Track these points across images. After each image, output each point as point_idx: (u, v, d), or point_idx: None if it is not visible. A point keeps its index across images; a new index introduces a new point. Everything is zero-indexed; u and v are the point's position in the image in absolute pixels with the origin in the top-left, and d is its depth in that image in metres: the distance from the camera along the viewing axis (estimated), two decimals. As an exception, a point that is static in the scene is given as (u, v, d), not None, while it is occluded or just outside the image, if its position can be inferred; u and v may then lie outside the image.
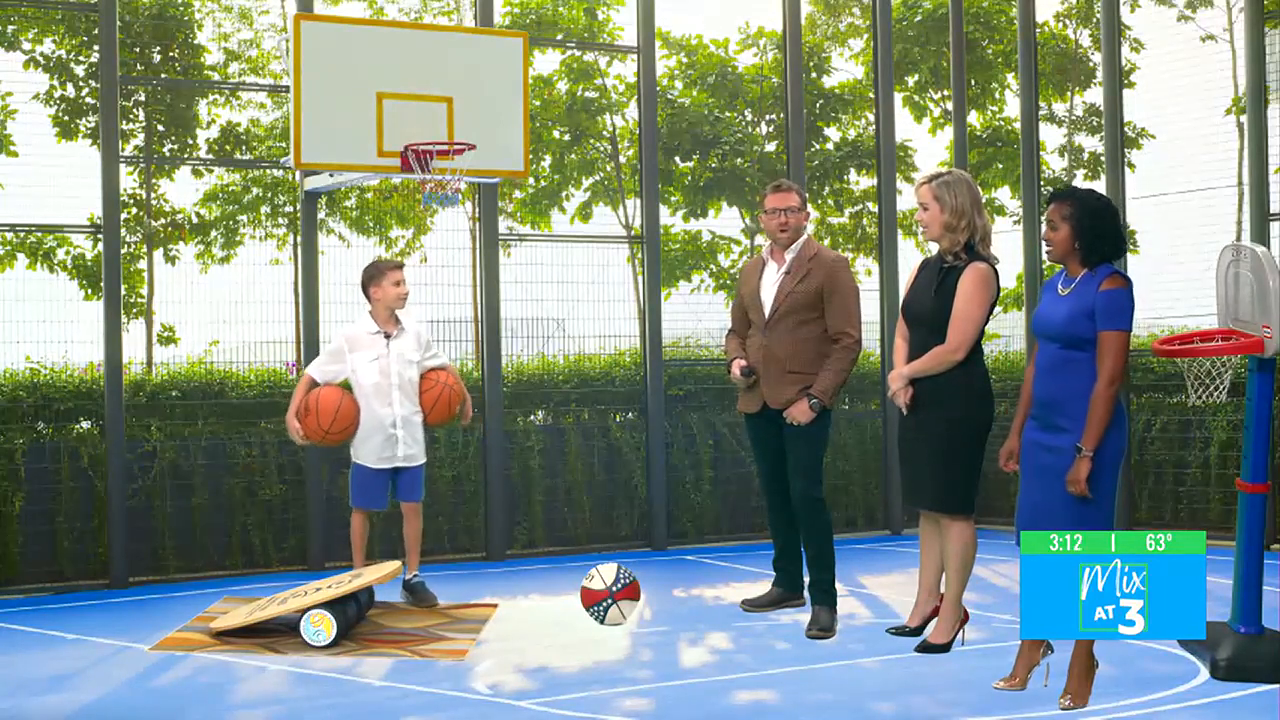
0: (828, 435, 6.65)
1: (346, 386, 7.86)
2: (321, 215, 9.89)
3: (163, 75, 9.97)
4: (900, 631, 6.28)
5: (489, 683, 6.23)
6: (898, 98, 11.78)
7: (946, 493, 5.95)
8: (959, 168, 11.17)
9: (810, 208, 11.05)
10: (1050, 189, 10.51)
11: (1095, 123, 11.84)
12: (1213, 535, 6.30)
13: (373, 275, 7.83)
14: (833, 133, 11.82)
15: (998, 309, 10.82)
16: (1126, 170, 10.73)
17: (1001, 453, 5.80)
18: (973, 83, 11.95)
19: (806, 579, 6.79)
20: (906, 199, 11.66)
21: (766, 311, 6.56)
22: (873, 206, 11.56)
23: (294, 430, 7.71)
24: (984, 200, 6.00)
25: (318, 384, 7.80)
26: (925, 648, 6.07)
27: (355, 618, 7.20)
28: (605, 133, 11.13)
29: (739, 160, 11.21)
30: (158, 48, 9.92)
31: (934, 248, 6.20)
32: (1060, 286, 5.49)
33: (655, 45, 10.50)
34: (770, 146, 11.48)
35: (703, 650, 6.90)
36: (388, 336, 7.78)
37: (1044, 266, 10.70)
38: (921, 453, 5.98)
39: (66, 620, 7.89)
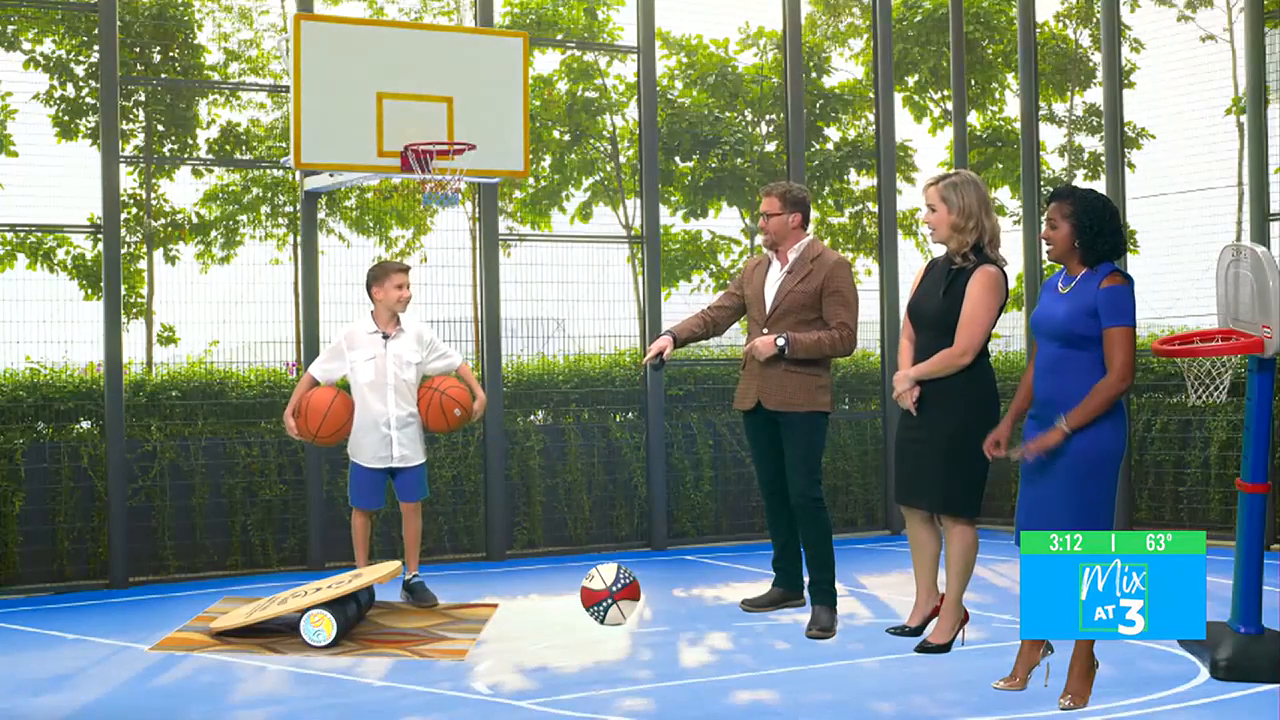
0: (825, 435, 6.66)
1: (345, 386, 7.88)
2: (321, 215, 9.89)
3: (163, 75, 9.98)
4: (900, 632, 6.29)
5: (489, 683, 6.23)
6: (898, 98, 11.79)
7: (951, 495, 5.95)
8: (959, 167, 11.17)
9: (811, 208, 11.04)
10: (1050, 189, 10.51)
11: (1095, 123, 11.84)
12: (1213, 535, 6.32)
13: (377, 276, 7.86)
14: (833, 133, 11.82)
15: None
16: (1126, 170, 10.73)
17: (989, 439, 5.74)
18: (973, 83, 11.95)
19: (806, 579, 6.80)
20: (906, 199, 11.67)
21: (767, 309, 6.58)
22: (873, 206, 11.56)
23: (290, 429, 7.78)
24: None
25: (318, 383, 7.83)
26: (925, 648, 6.07)
27: (355, 618, 7.20)
28: (605, 133, 11.14)
29: (739, 160, 11.21)
30: (158, 48, 9.92)
31: (939, 249, 6.21)
32: (1060, 285, 5.50)
33: (655, 45, 10.50)
34: (770, 146, 11.48)
35: (703, 650, 6.90)
36: (386, 337, 7.79)
37: (1044, 266, 10.70)
38: (926, 454, 5.98)
39: (66, 620, 7.89)
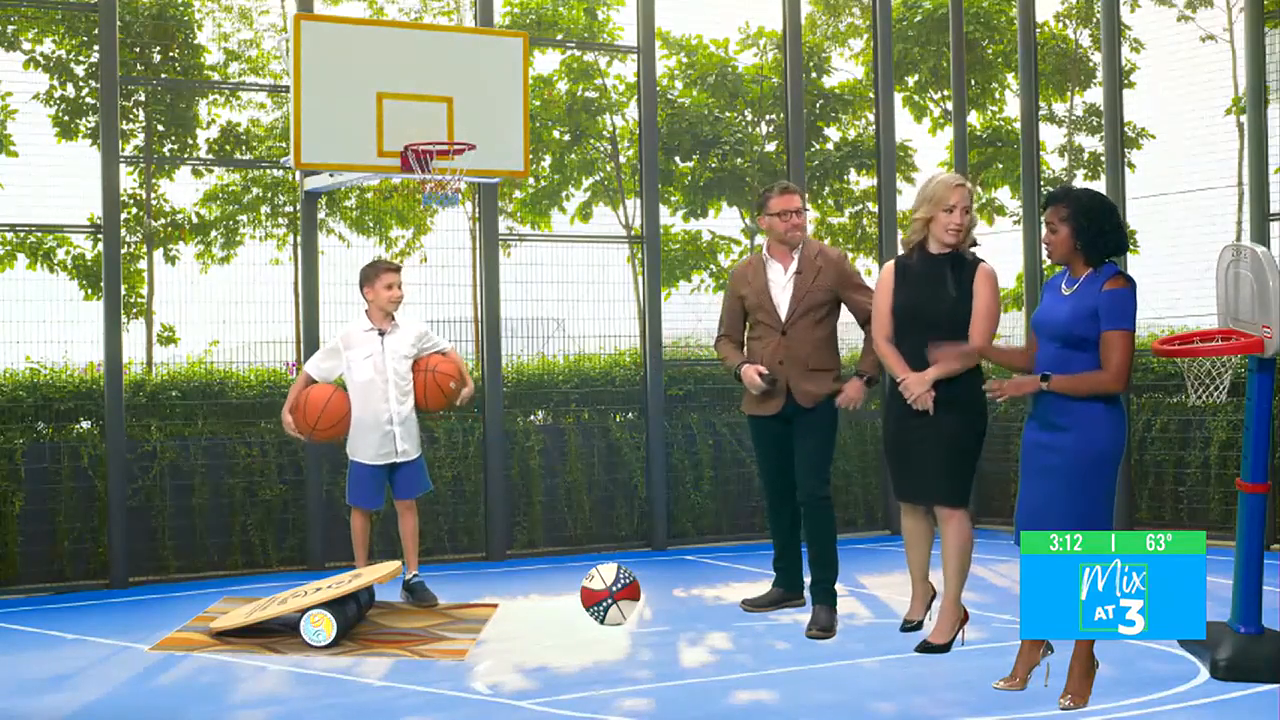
0: (836, 434, 6.69)
1: (341, 385, 7.88)
2: (321, 215, 9.89)
3: (163, 75, 9.98)
4: (913, 627, 6.31)
5: (489, 683, 6.23)
6: (898, 98, 11.78)
7: (954, 487, 6.03)
8: (959, 168, 11.19)
9: (810, 208, 11.07)
10: (1050, 189, 10.51)
11: (1095, 123, 11.84)
12: (1213, 535, 6.31)
13: (368, 276, 7.87)
14: (833, 133, 11.82)
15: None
16: (1126, 170, 10.73)
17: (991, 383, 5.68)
18: (973, 83, 11.95)
19: (807, 579, 6.80)
20: (906, 199, 11.66)
21: (783, 313, 6.59)
22: (873, 206, 11.56)
23: (288, 425, 7.78)
24: (968, 200, 6.10)
25: (314, 381, 7.84)
26: (926, 648, 6.07)
27: (355, 618, 7.20)
28: (605, 133, 11.13)
29: (739, 160, 11.21)
30: (158, 48, 9.92)
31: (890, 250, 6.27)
32: (1063, 286, 5.49)
33: (655, 45, 10.49)
34: (770, 146, 11.48)
35: (703, 650, 6.90)
36: (382, 334, 7.80)
37: (1044, 266, 10.70)
38: (931, 451, 6.01)
39: (66, 620, 7.90)
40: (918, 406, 5.97)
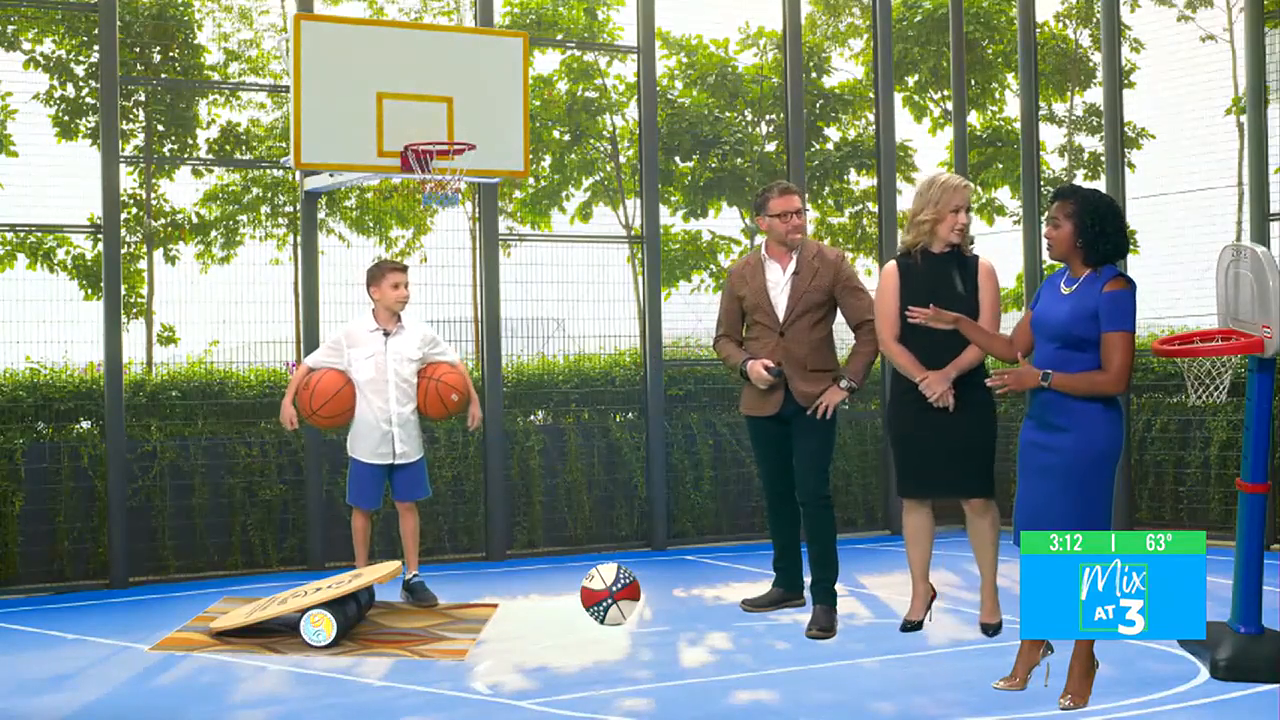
0: (835, 435, 6.71)
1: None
2: (321, 215, 9.89)
3: (163, 75, 9.98)
4: (913, 627, 6.37)
5: (489, 683, 6.23)
6: (898, 98, 11.78)
7: (984, 478, 6.17)
8: (959, 168, 11.19)
9: (809, 207, 11.06)
10: (1050, 189, 10.51)
11: (1095, 123, 11.84)
12: (1213, 535, 6.32)
13: (374, 276, 7.87)
14: (833, 133, 11.82)
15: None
16: (1126, 170, 10.73)
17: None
18: (973, 83, 11.95)
19: (807, 579, 6.81)
20: (906, 199, 11.66)
21: (781, 314, 6.59)
22: (873, 206, 11.55)
23: (288, 415, 7.75)
24: (970, 200, 6.23)
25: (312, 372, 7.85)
26: (986, 630, 6.28)
27: (355, 618, 7.20)
28: (605, 133, 11.13)
29: (739, 160, 11.21)
30: (158, 48, 9.92)
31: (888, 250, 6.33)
32: (1063, 285, 5.49)
33: (655, 45, 10.49)
34: (770, 146, 11.48)
35: (703, 650, 6.90)
36: (386, 334, 7.80)
37: (1044, 266, 10.70)
38: (956, 448, 6.12)
39: (66, 620, 7.90)
40: (939, 404, 6.03)
